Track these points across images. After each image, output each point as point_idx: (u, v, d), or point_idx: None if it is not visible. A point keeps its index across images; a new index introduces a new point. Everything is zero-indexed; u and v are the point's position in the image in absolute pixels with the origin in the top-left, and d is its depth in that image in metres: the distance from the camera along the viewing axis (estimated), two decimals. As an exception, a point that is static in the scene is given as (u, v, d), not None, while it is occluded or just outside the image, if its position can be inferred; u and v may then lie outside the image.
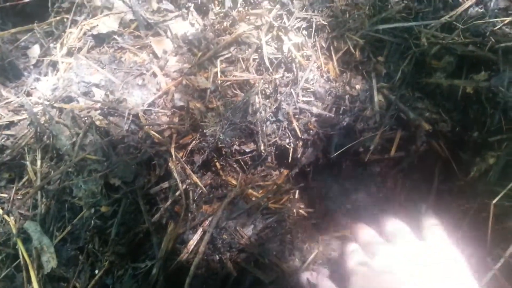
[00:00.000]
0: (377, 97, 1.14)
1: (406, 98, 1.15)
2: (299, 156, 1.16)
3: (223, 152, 1.04)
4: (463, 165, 1.13)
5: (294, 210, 1.08)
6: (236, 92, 1.08)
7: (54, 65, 1.29)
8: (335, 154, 1.14)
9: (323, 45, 1.16)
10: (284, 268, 0.96)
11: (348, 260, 0.88)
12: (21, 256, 1.04)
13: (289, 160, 1.15)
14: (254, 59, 1.11)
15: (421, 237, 0.92)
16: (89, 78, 1.09)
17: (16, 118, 1.20)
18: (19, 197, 1.11)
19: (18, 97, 1.26)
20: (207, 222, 0.96)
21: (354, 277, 0.84)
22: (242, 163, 1.09)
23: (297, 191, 1.14)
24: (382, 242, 0.91)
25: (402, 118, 1.13)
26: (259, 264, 0.96)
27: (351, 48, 1.18)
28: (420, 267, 0.81)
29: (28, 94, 1.27)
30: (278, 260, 0.96)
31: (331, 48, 1.17)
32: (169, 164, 0.97)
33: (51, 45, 1.33)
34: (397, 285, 0.79)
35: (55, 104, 1.09)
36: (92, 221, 0.97)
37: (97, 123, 0.99)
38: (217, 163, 1.06)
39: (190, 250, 0.93)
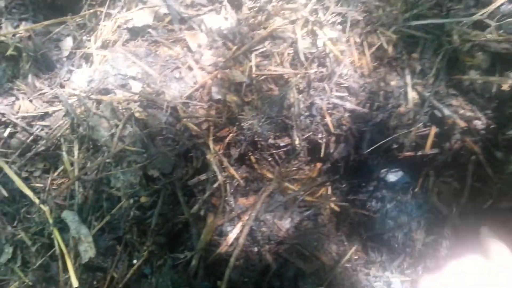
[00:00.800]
0: (411, 94, 1.13)
1: (440, 95, 1.14)
2: (331, 151, 1.16)
3: (259, 146, 1.05)
4: (498, 163, 1.13)
5: (327, 205, 1.09)
6: (271, 86, 1.09)
7: (87, 57, 1.30)
8: (367, 150, 1.14)
9: (357, 40, 1.16)
10: (324, 260, 0.97)
11: None
12: (56, 246, 1.06)
13: (322, 155, 1.15)
14: (288, 54, 1.11)
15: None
16: (125, 71, 1.10)
17: (50, 109, 1.22)
18: (54, 187, 1.13)
19: (51, 88, 1.27)
20: (245, 215, 0.96)
21: None
22: (276, 157, 1.09)
23: (330, 187, 1.15)
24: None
25: (436, 115, 1.13)
26: (300, 256, 0.97)
27: (384, 43, 1.18)
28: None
29: (62, 86, 1.28)
30: (318, 252, 0.97)
31: (365, 44, 1.17)
32: (206, 156, 0.98)
33: (84, 37, 1.34)
34: None
35: (92, 96, 1.10)
36: (132, 212, 0.98)
37: (136, 115, 1.00)
38: (252, 157, 1.07)
39: (230, 242, 0.93)
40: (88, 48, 1.28)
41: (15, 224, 1.14)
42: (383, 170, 1.22)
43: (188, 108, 1.02)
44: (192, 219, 0.95)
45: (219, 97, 1.03)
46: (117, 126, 1.01)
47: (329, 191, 1.17)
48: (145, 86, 1.05)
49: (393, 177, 1.22)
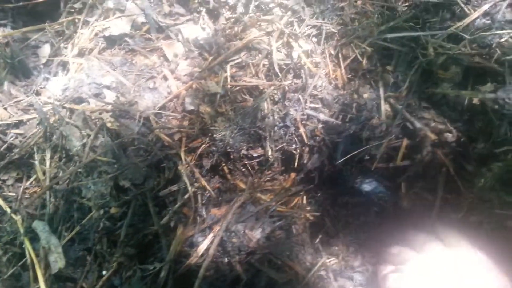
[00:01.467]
0: (384, 106, 1.15)
1: (412, 107, 1.16)
2: (305, 161, 1.17)
3: (231, 157, 1.06)
4: (468, 176, 1.14)
5: (302, 214, 1.09)
6: (245, 97, 1.09)
7: (64, 65, 1.30)
8: (340, 161, 1.15)
9: (332, 52, 1.17)
10: (298, 270, 0.97)
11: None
12: (28, 255, 1.05)
13: (295, 165, 1.16)
14: (264, 65, 1.12)
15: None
16: (100, 80, 1.09)
17: (25, 117, 1.21)
18: (26, 196, 1.12)
19: (27, 96, 1.27)
20: (216, 225, 0.97)
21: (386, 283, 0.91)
22: (249, 167, 1.10)
23: (304, 197, 1.15)
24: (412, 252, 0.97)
25: (408, 128, 1.14)
26: (272, 265, 0.97)
27: (359, 56, 1.19)
28: (451, 270, 0.86)
29: (38, 94, 1.28)
30: (291, 261, 0.97)
31: (340, 56, 1.18)
32: (178, 167, 0.98)
33: (62, 45, 1.34)
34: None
35: (65, 105, 1.10)
36: (101, 222, 0.97)
37: (108, 125, 1.00)
38: (225, 167, 1.07)
39: (200, 253, 0.94)
40: (65, 56, 1.27)
41: (-14, 233, 1.13)
42: (357, 180, 1.23)
43: (161, 119, 1.02)
44: (162, 230, 0.95)
45: (192, 107, 1.03)
46: (89, 136, 1.01)
47: (304, 201, 1.18)
48: (119, 96, 1.05)
49: (367, 186, 1.23)
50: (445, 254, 0.92)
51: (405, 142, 1.14)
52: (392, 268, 0.97)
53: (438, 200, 1.15)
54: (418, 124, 1.13)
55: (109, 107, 1.03)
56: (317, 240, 1.22)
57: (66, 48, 1.30)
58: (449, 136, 1.14)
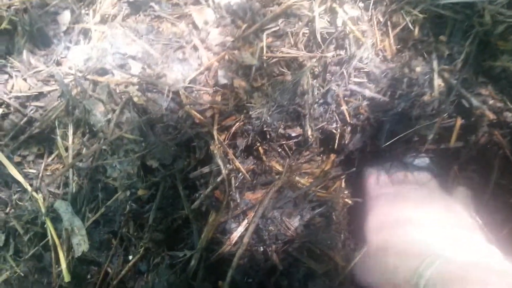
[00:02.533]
0: (437, 81, 1.03)
1: (468, 82, 1.04)
2: (346, 142, 1.07)
3: (268, 136, 0.96)
4: (527, 161, 1.03)
5: (341, 200, 1.01)
6: (283, 70, 0.99)
7: (86, 33, 1.21)
8: (386, 144, 1.04)
9: (380, 19, 1.05)
10: (338, 260, 0.89)
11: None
12: (49, 236, 0.99)
13: (335, 146, 1.06)
14: (304, 34, 1.01)
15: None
16: (125, 49, 1.00)
17: (45, 89, 1.13)
18: (48, 174, 1.06)
19: (47, 66, 1.18)
20: (251, 211, 0.88)
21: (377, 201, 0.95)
22: (286, 148, 1.00)
23: (344, 181, 1.06)
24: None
25: (463, 105, 1.03)
26: (311, 255, 0.90)
27: (410, 24, 1.07)
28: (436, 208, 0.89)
29: (58, 64, 1.19)
30: (331, 251, 0.90)
31: (389, 24, 1.06)
32: (210, 147, 0.89)
33: (83, 11, 1.24)
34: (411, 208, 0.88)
35: (88, 76, 1.01)
36: (128, 205, 0.90)
37: (135, 99, 0.91)
38: (260, 148, 0.98)
39: (234, 241, 0.86)
40: (87, 23, 1.18)
41: (7, 211, 1.07)
42: (408, 156, 1.13)
43: (191, 94, 0.92)
44: (193, 215, 0.87)
45: (225, 81, 0.93)
46: (114, 111, 0.93)
47: (343, 185, 1.09)
48: (145, 67, 0.96)
49: (420, 162, 1.13)
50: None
51: (459, 121, 1.03)
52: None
53: (492, 185, 1.06)
54: (474, 102, 1.01)
55: (135, 79, 0.94)
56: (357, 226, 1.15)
57: (87, 14, 1.21)
58: (509, 116, 1.03)
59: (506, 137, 1.04)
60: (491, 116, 1.01)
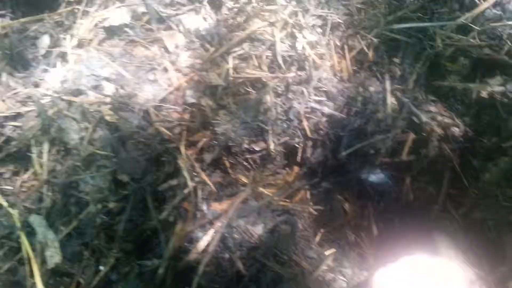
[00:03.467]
0: (390, 100, 1.12)
1: (419, 101, 1.13)
2: (308, 155, 1.14)
3: (233, 151, 1.03)
4: (474, 172, 1.12)
5: (306, 209, 1.07)
6: (248, 89, 1.07)
7: (63, 56, 1.27)
8: (343, 154, 1.12)
9: (337, 43, 1.14)
10: (304, 265, 0.95)
11: None
12: (24, 250, 1.03)
13: (298, 159, 1.13)
14: (267, 56, 1.10)
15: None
16: (99, 71, 1.07)
17: (23, 109, 1.18)
18: (24, 190, 1.10)
19: (26, 88, 1.24)
20: (217, 221, 0.94)
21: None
22: (251, 161, 1.07)
23: (308, 192, 1.13)
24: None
25: (414, 122, 1.12)
26: (277, 261, 0.96)
27: (365, 47, 1.16)
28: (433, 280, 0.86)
29: (36, 85, 1.25)
30: (297, 256, 0.95)
31: (345, 47, 1.15)
32: (178, 161, 0.96)
33: (61, 36, 1.31)
34: None
35: (64, 97, 1.07)
36: (99, 217, 0.95)
37: (107, 118, 0.97)
38: (226, 162, 1.04)
39: (200, 249, 0.91)
40: (65, 47, 1.24)
41: (-17, 227, 1.10)
42: (363, 171, 1.20)
43: (161, 112, 0.99)
44: (161, 226, 0.93)
45: (193, 100, 1.00)
46: (87, 129, 0.98)
47: (308, 195, 1.16)
48: (118, 88, 1.03)
49: (374, 177, 1.20)
50: (431, 262, 0.93)
51: (411, 136, 1.11)
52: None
53: (442, 195, 1.13)
54: (424, 118, 1.10)
55: (108, 99, 1.00)
56: (321, 235, 1.21)
57: (65, 39, 1.27)
58: (456, 131, 1.12)
59: (454, 151, 1.12)
60: (440, 131, 1.10)
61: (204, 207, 0.99)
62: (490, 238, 1.03)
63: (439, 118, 1.12)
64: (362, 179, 1.20)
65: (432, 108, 1.13)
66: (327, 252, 1.16)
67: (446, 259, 0.96)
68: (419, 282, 0.87)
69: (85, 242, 0.98)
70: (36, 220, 1.00)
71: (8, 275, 1.05)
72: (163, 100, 1.02)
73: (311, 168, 1.17)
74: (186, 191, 0.95)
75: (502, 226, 1.01)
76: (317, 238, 1.19)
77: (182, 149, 0.96)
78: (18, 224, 1.03)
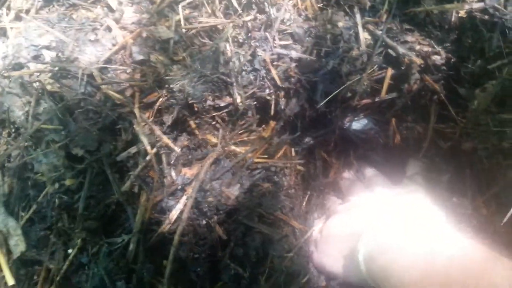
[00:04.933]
0: (362, 35, 1.03)
1: (394, 32, 1.04)
2: (282, 107, 1.05)
3: (196, 109, 0.94)
4: (461, 101, 1.04)
5: (288, 164, 1.00)
6: (204, 40, 0.97)
7: (4, 33, 1.16)
8: (322, 103, 1.03)
9: (299, -21, 1.04)
10: (294, 224, 0.88)
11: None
12: (-13, 242, 0.96)
13: (272, 113, 1.05)
14: (220, 1, 0.99)
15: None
16: (38, 41, 0.96)
17: (-32, 94, 1.08)
18: (-21, 179, 1.02)
19: (-31, 71, 1.14)
20: (189, 187, 0.86)
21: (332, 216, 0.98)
22: (218, 119, 0.99)
23: (291, 148, 1.05)
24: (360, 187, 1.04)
25: (392, 55, 1.03)
26: (264, 221, 0.90)
27: (330, -20, 1.06)
28: (389, 205, 0.87)
29: (-20, 68, 1.15)
30: (285, 215, 0.89)
31: (308, -17, 1.04)
32: (134, 126, 0.87)
33: (0, 11, 1.19)
34: (366, 218, 0.86)
35: (5, 74, 0.97)
36: (57, 197, 0.87)
37: (48, 87, 0.88)
38: (191, 122, 0.96)
39: (173, 219, 0.84)
40: (2, 22, 1.13)
41: None
42: (346, 119, 1.13)
43: (107, 74, 0.89)
44: (125, 198, 0.85)
45: (141, 57, 0.90)
46: (29, 103, 0.89)
47: (293, 153, 1.08)
48: (59, 55, 0.92)
49: (356, 124, 1.13)
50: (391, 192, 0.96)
51: (390, 71, 1.03)
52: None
53: (430, 131, 1.06)
54: (401, 50, 1.01)
55: (47, 67, 0.90)
56: (310, 191, 1.14)
57: (1, 14, 1.16)
58: (437, 59, 1.03)
59: (438, 81, 1.04)
60: (419, 61, 1.01)
61: (173, 173, 0.91)
62: (479, 168, 0.97)
63: (418, 47, 1.03)
64: (345, 128, 1.12)
65: (409, 38, 1.04)
66: (317, 210, 1.11)
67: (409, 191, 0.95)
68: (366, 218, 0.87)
69: (48, 226, 0.91)
70: (-7, 209, 0.93)
71: (-24, 271, 0.98)
72: (108, 61, 0.92)
73: (288, 121, 1.09)
74: (147, 158, 0.87)
75: (494, 153, 0.94)
76: (307, 196, 1.14)
77: (137, 112, 0.86)
78: (-24, 216, 0.96)
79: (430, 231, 0.73)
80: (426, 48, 1.03)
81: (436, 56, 1.03)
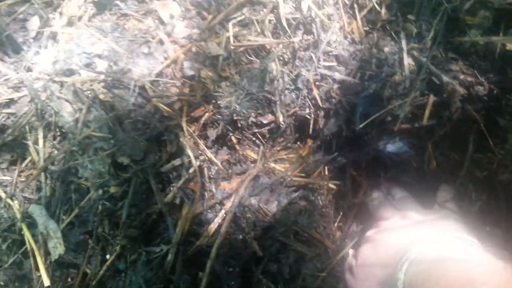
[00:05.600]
0: (406, 60, 1.03)
1: (438, 60, 1.04)
2: (321, 126, 1.06)
3: (239, 125, 0.95)
4: (500, 132, 1.04)
5: (323, 183, 1.00)
6: (251, 58, 0.98)
7: (54, 37, 1.20)
8: (361, 126, 1.04)
9: (346, 2, 1.05)
10: (327, 244, 0.89)
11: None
12: (27, 242, 0.98)
13: (310, 132, 1.05)
14: (270, 21, 1.00)
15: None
16: (90, 49, 0.99)
17: (16, 95, 1.12)
18: (22, 180, 1.04)
19: (17, 72, 1.17)
20: (227, 201, 0.88)
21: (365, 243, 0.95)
22: (260, 136, 1.00)
23: (324, 166, 1.05)
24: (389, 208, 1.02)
25: (434, 82, 1.03)
26: (299, 239, 0.91)
27: (376, 5, 1.06)
28: (423, 231, 0.87)
29: (29, 70, 1.18)
30: (319, 234, 0.90)
31: (355, 6, 1.05)
32: (180, 139, 0.89)
33: (50, 15, 1.23)
34: (401, 246, 0.84)
35: (55, 78, 1.00)
36: (101, 204, 0.89)
37: (101, 96, 0.90)
38: (233, 137, 0.97)
39: (211, 232, 0.85)
40: (54, 26, 1.17)
41: (-16, 221, 1.06)
42: (381, 143, 1.13)
43: (158, 87, 0.92)
44: (167, 209, 0.86)
45: (192, 73, 0.92)
46: (81, 110, 0.91)
47: (325, 171, 1.08)
48: (111, 65, 0.95)
49: (391, 147, 1.13)
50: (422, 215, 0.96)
51: (432, 98, 1.02)
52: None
53: (468, 160, 1.05)
54: (445, 78, 1.01)
55: (101, 77, 0.93)
56: (342, 211, 1.14)
57: (54, 18, 1.20)
58: (480, 89, 1.03)
59: (479, 112, 1.04)
60: (462, 91, 1.01)
61: (213, 187, 0.92)
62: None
63: (461, 77, 1.03)
64: (380, 150, 1.12)
65: (453, 67, 1.04)
66: (351, 230, 1.11)
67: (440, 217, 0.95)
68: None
69: (88, 230, 0.93)
70: (36, 210, 0.95)
71: (14, 269, 1.02)
72: (160, 74, 0.94)
73: (325, 141, 1.09)
74: (191, 171, 0.88)
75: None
76: (339, 215, 1.14)
77: (184, 126, 0.88)
78: (19, 216, 0.98)
79: (468, 257, 0.73)
80: (469, 78, 1.03)
81: (479, 87, 1.03)
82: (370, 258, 0.92)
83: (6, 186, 1.05)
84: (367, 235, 1.02)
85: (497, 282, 0.64)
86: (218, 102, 0.90)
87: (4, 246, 1.02)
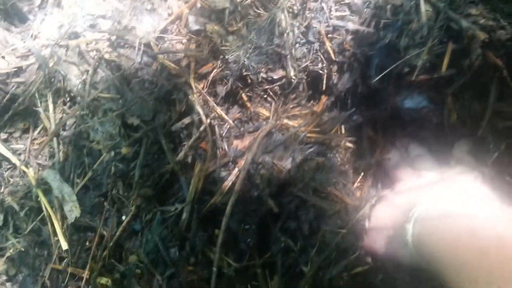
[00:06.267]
0: (423, 6, 0.98)
1: (456, 4, 0.98)
2: (334, 82, 1.02)
3: (249, 81, 0.92)
4: (526, 79, 0.98)
5: (340, 140, 0.97)
6: (258, 11, 0.94)
7: (59, 3, 1.17)
8: (377, 78, 1.00)
9: None
10: (348, 201, 0.86)
11: None
12: (44, 208, 0.99)
13: (323, 88, 1.02)
14: (276, -30, 0.96)
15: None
16: (94, 10, 0.97)
17: (24, 63, 1.11)
18: (35, 147, 1.05)
19: (24, 41, 1.16)
20: (241, 159, 0.86)
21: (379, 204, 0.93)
22: (271, 92, 0.97)
23: (342, 125, 1.02)
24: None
25: (453, 29, 0.97)
26: (318, 195, 0.88)
27: None
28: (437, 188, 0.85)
29: (35, 38, 1.17)
30: (338, 191, 0.87)
31: (367, -51, 1.00)
32: (189, 97, 0.86)
33: (54, -18, 1.21)
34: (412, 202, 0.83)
35: (61, 42, 0.98)
36: (113, 165, 0.88)
37: (106, 56, 0.88)
38: (243, 94, 0.94)
39: (225, 190, 0.84)
40: (57, -8, 1.14)
41: (1, 190, 1.07)
42: (399, 98, 1.08)
43: (163, 44, 0.89)
44: (179, 168, 0.85)
45: (197, 27, 0.89)
46: (87, 71, 0.90)
47: (343, 131, 1.05)
48: (115, 24, 0.93)
49: (409, 102, 1.09)
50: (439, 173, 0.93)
51: (450, 46, 0.97)
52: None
53: (490, 110, 1.01)
54: (464, 23, 0.95)
55: (105, 36, 0.91)
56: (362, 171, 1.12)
57: (58, -16, 1.17)
58: (502, 33, 0.97)
59: (501, 58, 0.98)
60: (483, 36, 0.95)
61: (225, 145, 0.90)
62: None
63: (482, 21, 0.97)
64: (398, 107, 1.08)
65: (473, 11, 0.98)
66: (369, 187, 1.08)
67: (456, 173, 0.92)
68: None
69: (103, 192, 0.93)
70: (50, 175, 0.95)
71: (33, 235, 1.03)
72: (165, 30, 0.91)
73: (340, 97, 1.05)
74: (201, 129, 0.86)
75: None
76: (358, 176, 1.11)
77: (192, 83, 0.86)
78: (34, 182, 0.99)
79: (477, 210, 0.71)
80: (491, 22, 0.97)
81: (501, 31, 0.97)
82: (383, 218, 0.91)
83: (20, 154, 1.05)
84: (382, 195, 1.00)
85: (500, 231, 0.63)
86: (226, 57, 0.87)
87: (22, 214, 1.03)
